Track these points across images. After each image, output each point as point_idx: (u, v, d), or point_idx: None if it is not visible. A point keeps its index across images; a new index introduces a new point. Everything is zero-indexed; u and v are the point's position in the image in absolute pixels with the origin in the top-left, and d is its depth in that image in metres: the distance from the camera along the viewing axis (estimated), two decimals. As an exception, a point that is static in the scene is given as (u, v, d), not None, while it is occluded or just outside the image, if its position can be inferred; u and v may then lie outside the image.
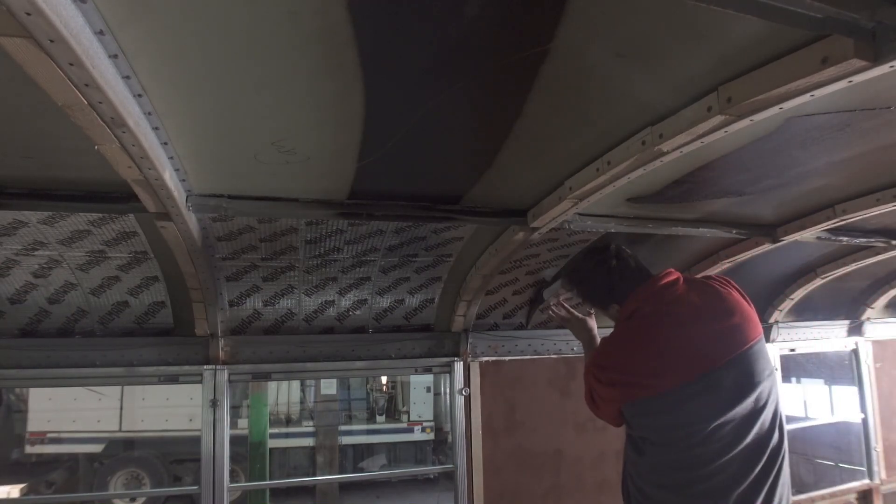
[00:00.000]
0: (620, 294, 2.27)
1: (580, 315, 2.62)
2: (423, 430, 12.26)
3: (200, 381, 3.24)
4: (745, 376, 1.99)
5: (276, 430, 11.28)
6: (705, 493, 1.97)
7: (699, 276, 2.81)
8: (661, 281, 2.21)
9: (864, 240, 3.46)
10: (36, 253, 2.76)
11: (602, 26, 1.39)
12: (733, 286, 2.22)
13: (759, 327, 2.11)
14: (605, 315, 2.40)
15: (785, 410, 2.11)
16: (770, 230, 3.24)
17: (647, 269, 2.33)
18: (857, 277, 4.50)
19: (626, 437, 2.26)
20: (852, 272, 4.14)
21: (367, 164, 2.12)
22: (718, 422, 1.96)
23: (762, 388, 2.01)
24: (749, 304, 2.16)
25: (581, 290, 2.47)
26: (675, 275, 2.24)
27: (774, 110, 1.54)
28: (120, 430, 10.72)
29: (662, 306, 2.14)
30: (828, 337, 4.96)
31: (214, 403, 3.23)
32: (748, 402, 1.97)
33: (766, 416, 1.99)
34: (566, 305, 2.66)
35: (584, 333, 2.64)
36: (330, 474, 11.48)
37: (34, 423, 10.55)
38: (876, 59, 1.23)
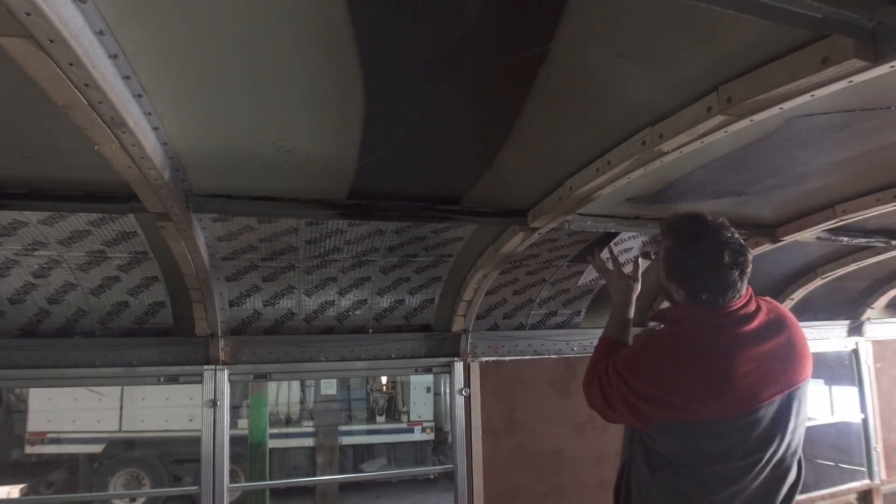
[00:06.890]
0: (694, 296, 1.94)
1: (627, 273, 2.33)
2: (423, 430, 12.24)
3: (200, 382, 3.24)
4: (784, 417, 1.85)
5: (276, 431, 11.27)
6: None
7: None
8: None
9: (864, 240, 3.46)
10: (36, 253, 2.76)
11: (602, 26, 1.39)
12: (793, 319, 2.02)
13: (810, 368, 1.93)
14: (659, 295, 2.11)
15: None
16: (770, 230, 3.24)
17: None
18: (857, 277, 4.50)
19: (637, 444, 2.03)
20: (852, 272, 4.14)
21: (367, 164, 2.12)
22: (748, 460, 1.84)
23: (797, 431, 1.90)
24: (806, 342, 1.99)
25: (670, 262, 1.99)
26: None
27: (774, 110, 1.54)
28: (120, 431, 10.69)
29: (719, 319, 1.89)
30: (828, 337, 4.96)
31: (214, 404, 3.23)
32: (782, 443, 1.86)
33: (791, 457, 1.90)
34: (618, 259, 2.44)
35: (623, 296, 2.30)
36: (330, 474, 11.46)
37: (34, 424, 10.53)
38: (876, 60, 1.23)
